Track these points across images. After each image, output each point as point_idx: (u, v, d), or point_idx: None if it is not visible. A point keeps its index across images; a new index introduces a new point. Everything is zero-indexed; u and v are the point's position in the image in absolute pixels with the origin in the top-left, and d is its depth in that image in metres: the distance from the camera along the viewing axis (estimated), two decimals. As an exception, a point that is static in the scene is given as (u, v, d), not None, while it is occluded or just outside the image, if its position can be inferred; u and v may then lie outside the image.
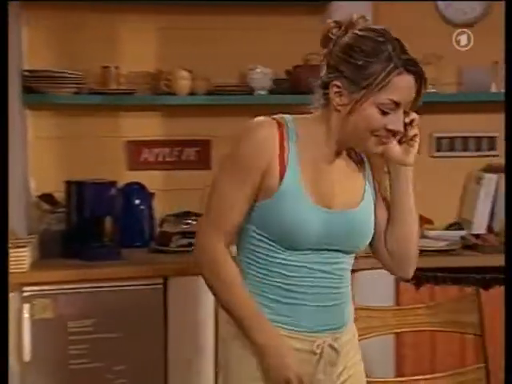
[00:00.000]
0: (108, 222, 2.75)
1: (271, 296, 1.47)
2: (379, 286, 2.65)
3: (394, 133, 1.43)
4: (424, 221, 2.95)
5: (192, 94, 3.00)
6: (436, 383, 2.03)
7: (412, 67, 1.40)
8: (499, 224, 3.08)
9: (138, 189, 2.97)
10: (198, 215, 3.04)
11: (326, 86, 1.45)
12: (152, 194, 3.01)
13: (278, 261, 1.46)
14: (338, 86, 1.42)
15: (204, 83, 3.02)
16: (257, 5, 3.04)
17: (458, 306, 2.09)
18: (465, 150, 3.34)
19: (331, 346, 1.48)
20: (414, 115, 1.47)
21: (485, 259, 2.79)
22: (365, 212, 1.51)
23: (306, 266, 1.46)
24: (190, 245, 2.85)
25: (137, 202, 2.95)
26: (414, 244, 1.55)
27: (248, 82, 3.04)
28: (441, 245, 2.89)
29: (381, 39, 1.41)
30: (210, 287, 1.49)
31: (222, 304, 1.49)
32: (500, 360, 2.65)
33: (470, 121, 3.30)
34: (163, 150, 3.10)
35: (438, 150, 3.32)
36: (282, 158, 1.43)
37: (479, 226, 3.12)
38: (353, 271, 1.58)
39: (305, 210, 1.43)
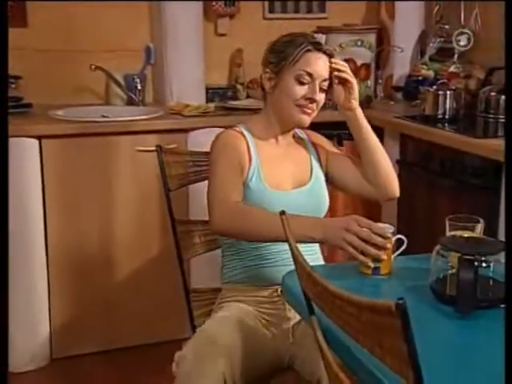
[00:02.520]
0: None
1: (248, 261, 1.76)
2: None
3: (311, 101, 1.71)
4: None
5: None
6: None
7: (319, 46, 1.72)
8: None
9: None
10: (19, 78, 2.79)
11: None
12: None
13: None
14: (266, 72, 1.75)
15: None
16: None
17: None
18: (296, 12, 3.33)
19: None
20: (336, 61, 1.74)
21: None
22: (315, 186, 1.80)
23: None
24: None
25: None
26: (389, 163, 1.79)
27: None
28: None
29: (296, 34, 1.75)
30: (241, 233, 1.61)
31: (256, 238, 1.62)
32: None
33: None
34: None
35: (271, 12, 3.28)
36: (250, 157, 1.74)
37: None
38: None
39: (265, 195, 1.72)
